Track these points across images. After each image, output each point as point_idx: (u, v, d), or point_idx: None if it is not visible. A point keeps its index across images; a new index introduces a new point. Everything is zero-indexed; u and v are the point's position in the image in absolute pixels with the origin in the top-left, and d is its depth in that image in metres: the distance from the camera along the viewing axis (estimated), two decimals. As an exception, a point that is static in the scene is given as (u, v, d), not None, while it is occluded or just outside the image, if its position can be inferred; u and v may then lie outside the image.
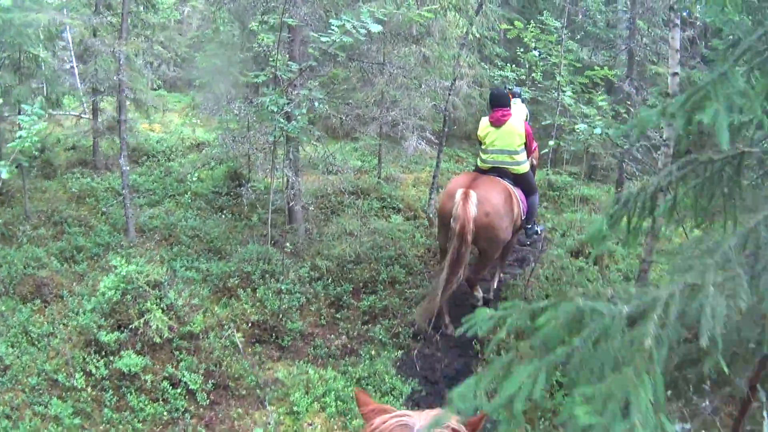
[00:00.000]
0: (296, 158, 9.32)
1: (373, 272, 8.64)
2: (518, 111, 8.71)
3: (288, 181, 9.11)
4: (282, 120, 7.53)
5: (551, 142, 13.76)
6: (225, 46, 12.34)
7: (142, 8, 11.62)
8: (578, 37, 16.77)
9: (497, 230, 6.52)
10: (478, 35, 17.28)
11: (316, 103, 7.99)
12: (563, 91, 15.01)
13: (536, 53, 17.88)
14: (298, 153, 9.40)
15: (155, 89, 20.39)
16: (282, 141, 8.61)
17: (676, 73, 6.57)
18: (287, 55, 8.43)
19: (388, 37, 9.85)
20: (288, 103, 7.56)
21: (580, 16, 15.42)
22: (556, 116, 14.81)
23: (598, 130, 14.94)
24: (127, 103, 10.51)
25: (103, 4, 11.28)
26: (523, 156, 7.31)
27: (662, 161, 6.68)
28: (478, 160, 7.55)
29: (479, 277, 7.27)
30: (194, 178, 11.12)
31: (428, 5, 10.21)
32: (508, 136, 7.18)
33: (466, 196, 6.30)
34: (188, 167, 11.75)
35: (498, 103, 7.25)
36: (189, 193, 11.00)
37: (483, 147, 7.39)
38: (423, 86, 15.13)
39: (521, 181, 7.34)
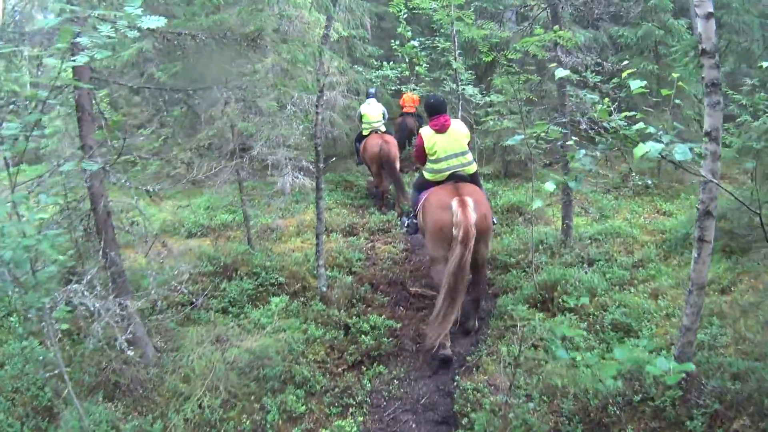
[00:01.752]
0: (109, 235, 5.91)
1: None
2: (375, 109, 12.20)
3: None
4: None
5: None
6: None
7: None
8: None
9: (491, 231, 6.95)
10: (345, 34, 14.08)
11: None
12: (462, 81, 12.09)
13: (414, 43, 14.97)
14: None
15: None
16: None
17: (710, 14, 4.54)
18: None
19: (213, 45, 6.42)
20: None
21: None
22: (458, 111, 11.81)
23: (507, 121, 12.23)
24: None
25: None
26: (471, 155, 7.27)
27: (709, 159, 3.98)
28: (428, 173, 7.18)
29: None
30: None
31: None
32: (456, 139, 7.10)
33: (463, 203, 6.37)
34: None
35: (437, 110, 7.14)
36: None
37: (434, 158, 7.07)
38: (288, 107, 11.92)
39: (474, 181, 7.27)
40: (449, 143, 7.04)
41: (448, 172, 7.05)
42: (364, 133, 12.66)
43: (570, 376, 5.41)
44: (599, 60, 9.80)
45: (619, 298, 7.03)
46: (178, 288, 6.28)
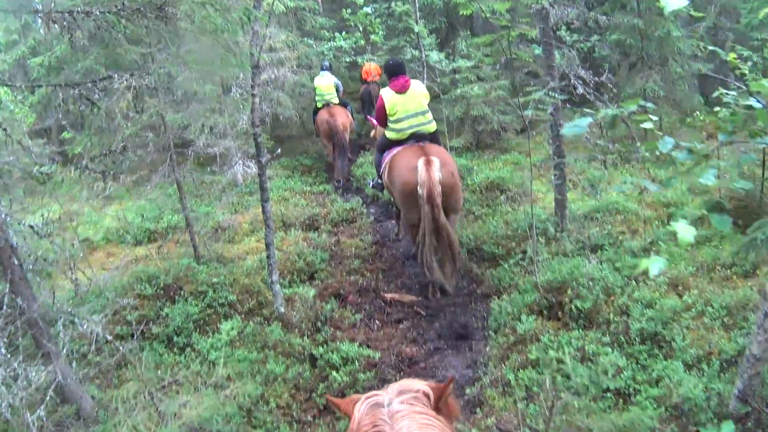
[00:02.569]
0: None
1: None
2: (328, 81, 11.82)
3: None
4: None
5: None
6: None
7: None
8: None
9: (460, 188, 7.14)
10: (292, 5, 12.71)
11: None
12: (424, 47, 10.81)
13: (368, 10, 13.61)
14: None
15: None
16: None
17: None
18: None
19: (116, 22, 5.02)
20: None
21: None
22: (423, 80, 10.56)
23: (477, 88, 11.04)
24: None
25: None
26: (430, 114, 7.45)
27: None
28: (391, 132, 7.36)
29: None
30: None
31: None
32: (416, 98, 7.26)
33: (428, 162, 6.48)
34: None
35: (396, 71, 7.30)
36: None
37: (394, 118, 7.26)
38: (233, 90, 10.60)
39: (435, 140, 7.49)
40: (409, 103, 7.23)
41: (409, 131, 7.28)
42: (318, 105, 12.31)
43: (601, 413, 4.24)
44: (585, 12, 8.56)
45: (639, 296, 5.87)
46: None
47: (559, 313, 5.92)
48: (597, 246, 7.24)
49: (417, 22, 10.35)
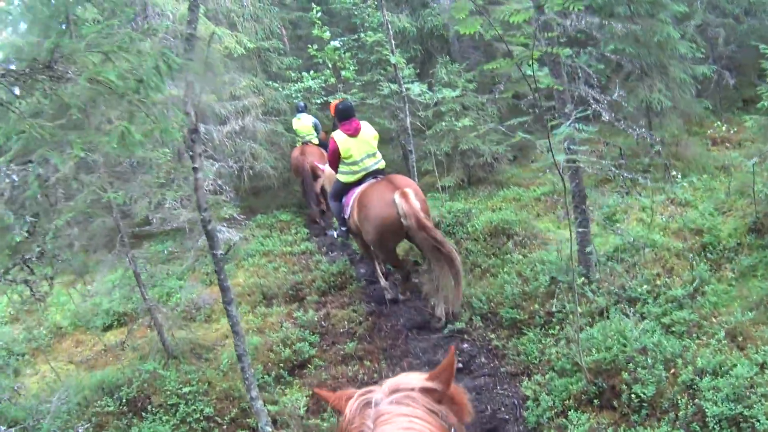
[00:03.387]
0: None
1: None
2: (307, 121, 11.77)
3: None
4: None
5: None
6: None
7: None
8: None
9: (429, 211, 7.18)
10: (251, 46, 11.58)
11: None
12: (403, 79, 9.69)
13: (336, 44, 12.50)
14: None
15: None
16: None
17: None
18: None
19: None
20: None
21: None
22: (406, 117, 9.43)
23: (466, 121, 9.89)
24: None
25: None
26: (380, 155, 7.65)
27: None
28: (345, 175, 7.51)
29: None
30: None
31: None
32: (368, 141, 7.41)
33: (404, 194, 6.66)
34: None
35: (347, 115, 7.37)
36: None
37: (349, 160, 7.37)
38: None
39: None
40: (363, 145, 7.37)
41: (363, 173, 7.44)
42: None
43: None
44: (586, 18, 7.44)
45: (704, 364, 4.70)
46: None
47: (614, 401, 4.70)
48: (634, 298, 6.08)
49: (393, 53, 9.22)
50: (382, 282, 7.88)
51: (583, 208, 6.46)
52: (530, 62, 4.43)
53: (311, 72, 12.91)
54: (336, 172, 7.67)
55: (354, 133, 7.30)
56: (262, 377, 6.13)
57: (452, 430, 1.61)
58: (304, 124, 11.75)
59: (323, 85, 12.83)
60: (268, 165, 11.58)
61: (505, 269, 7.55)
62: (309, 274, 8.87)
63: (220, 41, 10.97)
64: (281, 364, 6.36)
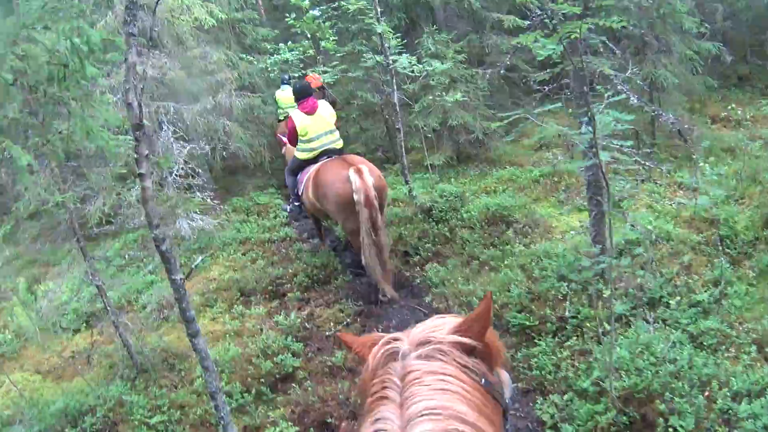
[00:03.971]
0: None
1: None
2: (289, 94, 10.81)
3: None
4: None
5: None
6: None
7: None
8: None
9: (387, 189, 7.26)
10: (223, 16, 10.69)
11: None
12: (390, 50, 8.91)
13: (315, 13, 11.63)
14: None
15: None
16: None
17: None
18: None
19: None
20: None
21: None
22: (393, 92, 8.69)
23: (458, 95, 9.14)
24: None
25: None
26: (338, 133, 7.83)
27: None
28: (303, 153, 7.68)
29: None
30: None
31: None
32: (325, 119, 7.62)
33: (359, 170, 6.74)
34: None
35: (304, 94, 7.63)
36: None
37: (306, 138, 7.56)
38: (164, 127, 8.80)
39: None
40: (318, 123, 7.57)
41: (321, 149, 7.62)
42: (280, 119, 11.91)
43: None
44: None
45: (740, 385, 4.13)
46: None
47: (646, 432, 4.07)
48: (655, 300, 5.46)
49: (379, 21, 8.41)
50: (322, 241, 8.53)
51: (599, 200, 5.76)
52: (580, 33, 3.59)
53: (288, 43, 12.06)
54: (294, 147, 7.87)
55: (311, 112, 7.55)
56: (241, 395, 5.44)
57: (483, 380, 1.47)
58: (287, 95, 11.26)
59: (302, 57, 11.99)
60: (244, 144, 10.76)
61: (506, 262, 6.89)
62: (290, 266, 8.13)
63: (189, 12, 10.10)
64: (262, 379, 5.66)
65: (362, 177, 6.70)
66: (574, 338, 5.24)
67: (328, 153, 7.62)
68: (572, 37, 3.74)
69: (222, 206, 10.36)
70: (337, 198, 6.88)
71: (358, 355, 1.60)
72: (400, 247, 7.99)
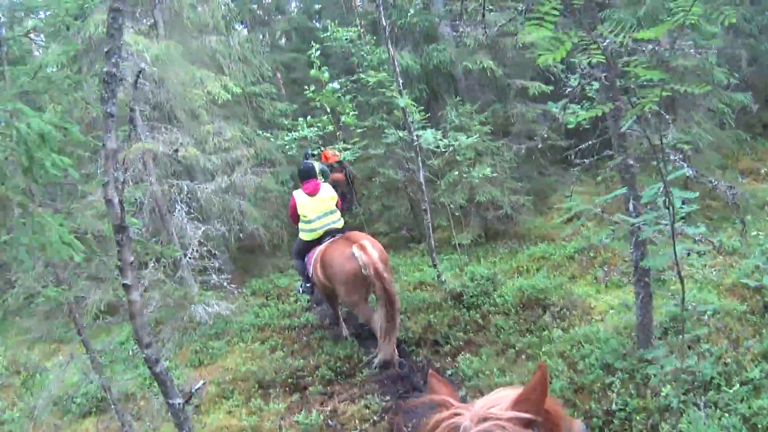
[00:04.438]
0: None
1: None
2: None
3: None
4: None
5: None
6: None
7: None
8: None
9: (389, 260, 7.41)
10: (237, 91, 10.45)
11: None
12: (414, 125, 8.54)
13: (335, 85, 11.37)
14: None
15: None
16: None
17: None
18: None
19: None
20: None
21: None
22: (419, 170, 8.31)
23: (486, 169, 8.70)
24: None
25: None
26: (339, 214, 7.97)
27: None
28: (306, 234, 7.81)
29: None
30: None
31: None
32: (325, 201, 7.78)
33: (362, 246, 6.97)
34: None
35: (308, 176, 7.88)
36: None
37: (307, 219, 7.71)
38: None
39: None
40: (321, 204, 7.73)
41: (322, 230, 7.74)
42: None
43: None
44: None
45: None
46: None
47: None
48: (705, 384, 4.89)
49: (401, 94, 8.05)
50: (342, 328, 8.20)
51: (647, 281, 5.22)
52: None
53: (308, 118, 11.76)
54: (297, 226, 8.03)
55: (312, 193, 7.73)
56: None
57: None
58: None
59: (320, 133, 11.66)
60: (259, 224, 10.32)
61: (543, 349, 6.32)
62: (311, 356, 7.61)
63: (203, 85, 9.85)
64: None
65: (366, 252, 6.92)
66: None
67: (330, 233, 7.75)
68: (647, 107, 3.25)
69: (240, 289, 9.89)
70: (345, 275, 7.05)
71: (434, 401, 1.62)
72: (429, 336, 7.45)
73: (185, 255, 8.98)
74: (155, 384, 7.49)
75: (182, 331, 8.97)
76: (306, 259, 7.93)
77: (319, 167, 10.67)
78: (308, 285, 8.13)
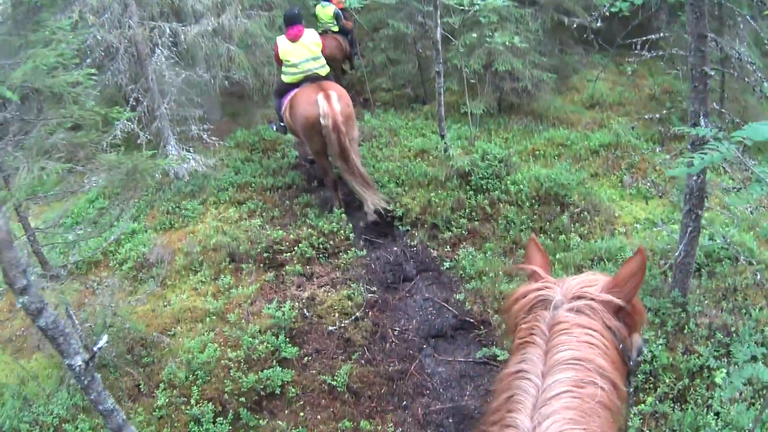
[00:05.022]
0: None
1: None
2: (329, 10, 10.88)
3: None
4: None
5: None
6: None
7: None
8: None
9: (353, 116, 7.43)
10: None
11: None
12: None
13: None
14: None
15: None
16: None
17: None
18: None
19: None
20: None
21: None
22: (436, 28, 7.26)
23: (513, 37, 7.62)
24: None
25: None
26: (323, 59, 7.83)
27: None
28: (287, 76, 7.71)
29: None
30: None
31: None
32: (308, 46, 7.62)
33: (327, 96, 6.98)
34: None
35: (292, 22, 7.63)
36: None
37: (289, 63, 7.63)
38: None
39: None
40: (301, 50, 7.56)
41: (303, 74, 7.60)
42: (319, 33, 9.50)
43: None
44: None
45: None
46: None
47: None
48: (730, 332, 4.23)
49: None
50: (335, 195, 7.66)
51: (699, 213, 4.34)
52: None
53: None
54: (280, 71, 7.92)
55: (294, 39, 7.57)
56: (213, 422, 4.21)
57: (621, 346, 1.56)
58: (326, 12, 10.93)
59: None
60: (248, 72, 9.19)
61: (558, 257, 5.55)
62: (292, 227, 6.81)
63: None
64: (242, 398, 4.41)
65: (330, 102, 6.93)
66: (650, 387, 3.98)
67: (311, 78, 7.65)
68: None
69: (221, 141, 8.89)
70: (305, 120, 7.08)
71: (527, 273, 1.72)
72: (428, 218, 6.63)
73: (163, 103, 8.04)
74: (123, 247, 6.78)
75: (156, 187, 8.10)
76: (283, 98, 7.84)
77: (334, 11, 10.74)
78: (282, 125, 8.13)
